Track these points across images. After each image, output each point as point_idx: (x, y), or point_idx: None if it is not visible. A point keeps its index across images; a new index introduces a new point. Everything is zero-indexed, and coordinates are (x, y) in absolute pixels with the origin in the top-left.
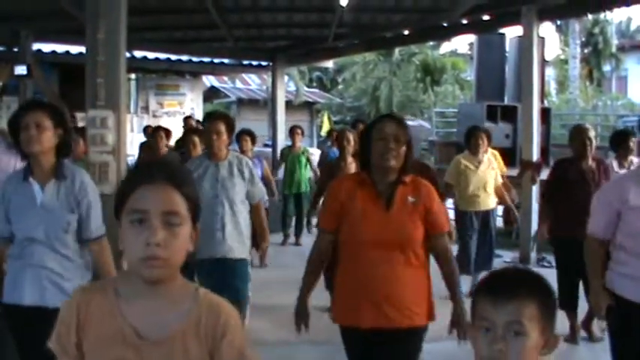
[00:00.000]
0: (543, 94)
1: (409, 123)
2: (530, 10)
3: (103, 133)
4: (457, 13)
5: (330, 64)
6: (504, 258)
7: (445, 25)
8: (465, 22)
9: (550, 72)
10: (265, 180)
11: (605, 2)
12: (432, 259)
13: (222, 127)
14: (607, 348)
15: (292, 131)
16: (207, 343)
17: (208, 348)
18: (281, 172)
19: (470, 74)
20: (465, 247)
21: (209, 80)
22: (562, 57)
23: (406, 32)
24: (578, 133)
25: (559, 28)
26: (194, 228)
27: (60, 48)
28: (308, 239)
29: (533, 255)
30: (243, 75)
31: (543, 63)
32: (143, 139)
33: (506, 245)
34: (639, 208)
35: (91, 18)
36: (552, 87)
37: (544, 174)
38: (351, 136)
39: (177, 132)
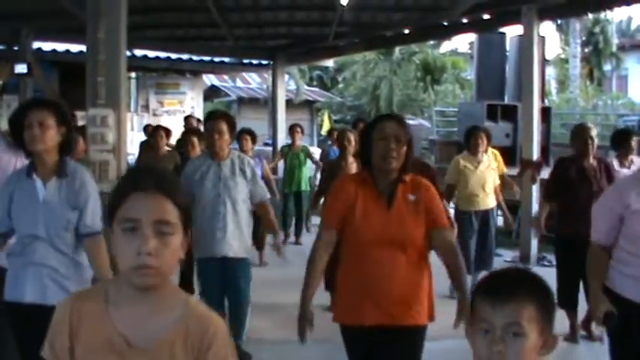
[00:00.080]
0: (544, 94)
1: (409, 122)
2: (531, 9)
3: (104, 132)
4: (457, 12)
5: (330, 62)
6: (505, 257)
7: (445, 24)
8: (465, 21)
9: (550, 71)
10: (265, 179)
11: (605, 1)
12: (433, 259)
13: (224, 127)
14: (607, 347)
15: (292, 130)
16: (194, 354)
17: (194, 358)
18: (281, 172)
19: (470, 73)
20: (465, 247)
21: (209, 79)
22: (562, 56)
23: (406, 31)
24: (580, 132)
25: (559, 28)
26: (185, 236)
27: (60, 46)
28: (308, 238)
29: (534, 253)
30: (244, 74)
31: (544, 62)
32: (143, 137)
33: (507, 244)
34: None
35: (92, 17)
36: (553, 86)
37: (544, 173)
38: (352, 136)
39: (177, 131)
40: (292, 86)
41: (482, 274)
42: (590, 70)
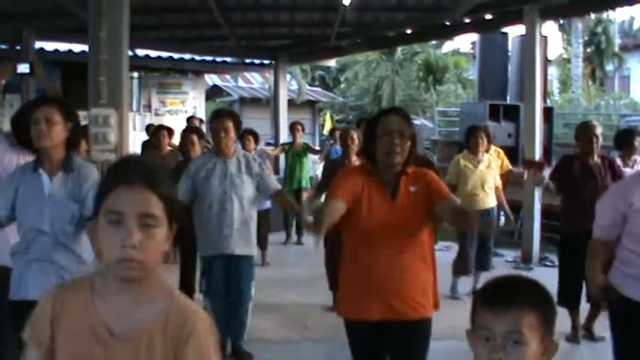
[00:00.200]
0: (546, 94)
1: None
2: (533, 9)
3: (106, 132)
4: (460, 12)
5: (332, 62)
6: (506, 257)
7: (447, 24)
8: (467, 21)
9: (552, 71)
10: None
11: (607, 1)
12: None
13: (230, 125)
14: (608, 347)
15: (293, 127)
16: (173, 344)
17: (172, 349)
18: (281, 173)
19: (472, 73)
20: (464, 247)
21: (211, 79)
22: (565, 56)
23: (409, 31)
24: (584, 130)
25: (562, 27)
26: (170, 229)
27: (62, 46)
28: (310, 239)
29: (536, 253)
30: (246, 74)
31: (546, 62)
32: (145, 137)
33: (508, 244)
34: None
35: (94, 16)
36: (555, 86)
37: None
38: (355, 135)
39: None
40: (294, 86)
41: (482, 274)
42: (592, 70)
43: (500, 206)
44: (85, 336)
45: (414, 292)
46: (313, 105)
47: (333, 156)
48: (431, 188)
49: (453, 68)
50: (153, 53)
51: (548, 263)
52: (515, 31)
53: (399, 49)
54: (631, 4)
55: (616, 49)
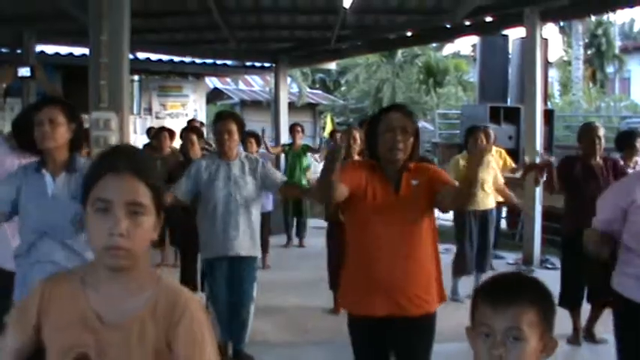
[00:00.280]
0: (546, 96)
1: None
2: (533, 12)
3: (107, 135)
4: (460, 15)
5: (332, 65)
6: (507, 259)
7: (448, 26)
8: (467, 23)
9: (553, 73)
10: None
11: (607, 3)
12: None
13: (234, 127)
14: (610, 349)
15: (292, 129)
16: (164, 326)
17: (164, 331)
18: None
19: (473, 76)
20: (463, 247)
21: (212, 82)
22: (565, 58)
23: (409, 34)
24: (587, 131)
25: (562, 30)
26: (158, 218)
27: (63, 50)
28: (311, 241)
29: (537, 256)
30: (246, 76)
31: (546, 64)
32: (146, 140)
33: (509, 247)
34: None
35: (94, 20)
36: (555, 88)
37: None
38: (357, 135)
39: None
40: (295, 89)
41: (482, 275)
42: (592, 72)
43: (507, 200)
44: (76, 325)
45: (418, 289)
46: (314, 108)
47: None
48: (433, 178)
49: (454, 71)
50: (153, 56)
51: (549, 265)
52: (515, 34)
53: (400, 52)
54: (631, 6)
55: (616, 51)
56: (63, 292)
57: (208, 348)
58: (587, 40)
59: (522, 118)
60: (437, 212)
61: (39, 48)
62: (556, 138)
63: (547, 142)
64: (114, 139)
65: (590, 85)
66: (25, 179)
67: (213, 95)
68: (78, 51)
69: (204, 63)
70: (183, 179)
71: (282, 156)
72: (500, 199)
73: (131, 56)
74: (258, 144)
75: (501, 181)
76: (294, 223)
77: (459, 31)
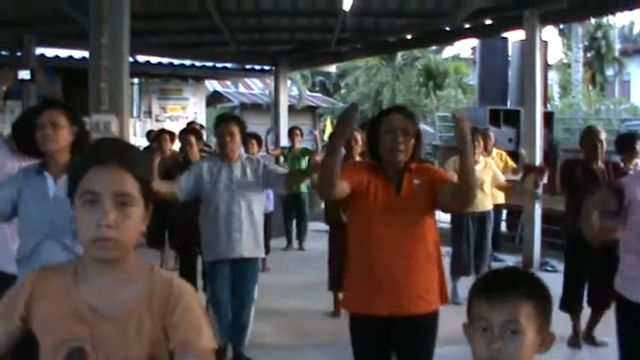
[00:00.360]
0: (546, 98)
1: None
2: (533, 15)
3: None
4: (460, 18)
5: (332, 68)
6: (507, 262)
7: (448, 29)
8: (467, 26)
9: (553, 76)
10: None
11: (607, 6)
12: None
13: (236, 129)
14: (610, 352)
15: (291, 132)
16: (160, 316)
17: (161, 320)
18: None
19: (472, 78)
20: (461, 248)
21: (212, 85)
22: (565, 61)
23: (409, 36)
24: (589, 135)
25: (562, 32)
26: (147, 209)
27: (63, 52)
28: (311, 244)
29: (537, 258)
30: (246, 79)
31: (546, 67)
32: (146, 143)
33: (509, 249)
34: None
35: (95, 23)
36: (555, 91)
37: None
38: (359, 137)
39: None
40: (295, 92)
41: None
42: (592, 74)
43: (509, 191)
44: (69, 318)
45: (419, 289)
46: (314, 110)
47: None
48: (434, 178)
49: (454, 73)
50: (153, 59)
51: (549, 268)
52: (515, 36)
53: (400, 55)
54: (631, 9)
55: (616, 53)
56: (54, 285)
57: (205, 332)
58: (586, 43)
59: (522, 121)
60: (436, 214)
61: (39, 51)
62: (556, 140)
63: (547, 144)
64: None
65: (590, 87)
66: (25, 182)
67: (213, 98)
68: (78, 54)
69: (204, 66)
70: (184, 177)
71: (282, 159)
72: (500, 200)
73: (131, 59)
74: (259, 146)
75: (502, 178)
76: (295, 228)
77: (459, 34)
